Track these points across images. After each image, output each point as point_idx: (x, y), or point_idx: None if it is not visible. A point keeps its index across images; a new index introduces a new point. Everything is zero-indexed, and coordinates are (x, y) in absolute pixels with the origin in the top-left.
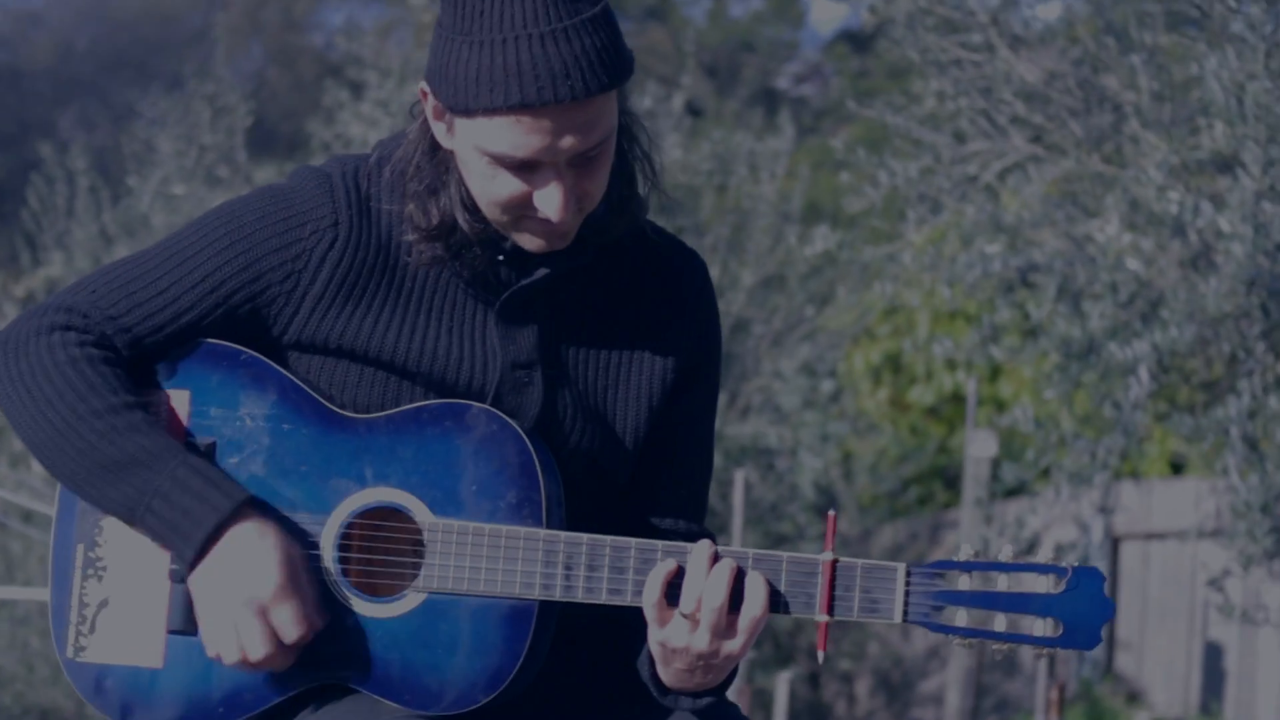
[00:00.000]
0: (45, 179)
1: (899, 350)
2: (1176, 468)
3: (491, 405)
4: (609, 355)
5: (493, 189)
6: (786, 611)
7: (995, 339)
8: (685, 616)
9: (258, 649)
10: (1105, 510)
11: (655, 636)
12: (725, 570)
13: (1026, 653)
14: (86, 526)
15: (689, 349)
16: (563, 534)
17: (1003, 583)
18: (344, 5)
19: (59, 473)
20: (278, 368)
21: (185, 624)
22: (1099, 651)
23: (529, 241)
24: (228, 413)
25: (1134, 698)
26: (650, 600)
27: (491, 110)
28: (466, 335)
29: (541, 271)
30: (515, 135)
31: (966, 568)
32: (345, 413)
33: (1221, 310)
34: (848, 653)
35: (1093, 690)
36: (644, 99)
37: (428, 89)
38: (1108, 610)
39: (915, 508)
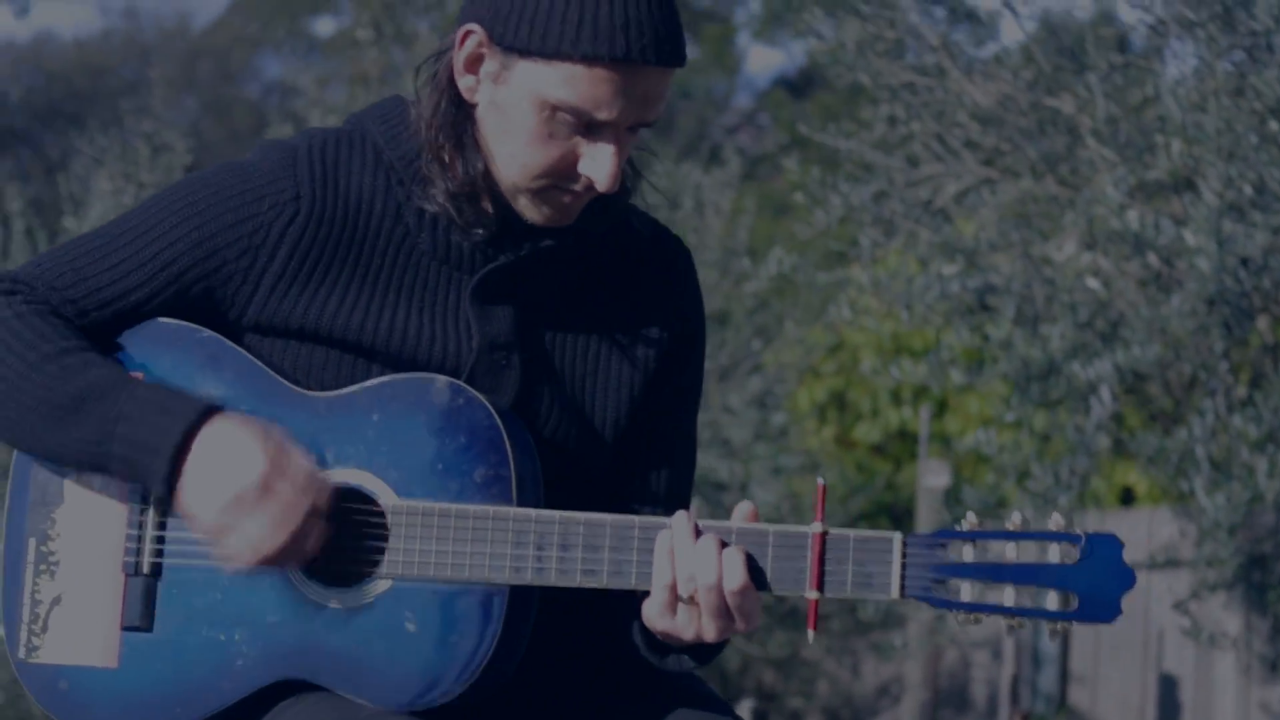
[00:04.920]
0: None
1: (844, 387)
2: (1125, 501)
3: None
4: (588, 342)
5: (542, 148)
6: (773, 589)
7: (953, 363)
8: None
9: (275, 538)
10: None
11: (660, 623)
12: (711, 544)
13: (979, 678)
14: (39, 519)
15: (672, 337)
16: (533, 512)
17: (1010, 553)
18: (279, 58)
19: (15, 432)
20: (236, 347)
21: (140, 619)
22: (1052, 685)
23: (540, 213)
24: None
25: None
26: (662, 582)
27: (590, 59)
28: (439, 314)
29: (547, 242)
30: (601, 90)
31: (970, 537)
32: (305, 392)
33: (1184, 329)
34: (798, 691)
35: None
36: None
37: (479, 29)
38: (1128, 579)
39: None
